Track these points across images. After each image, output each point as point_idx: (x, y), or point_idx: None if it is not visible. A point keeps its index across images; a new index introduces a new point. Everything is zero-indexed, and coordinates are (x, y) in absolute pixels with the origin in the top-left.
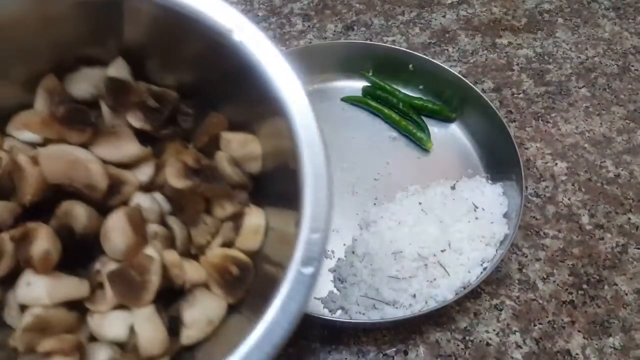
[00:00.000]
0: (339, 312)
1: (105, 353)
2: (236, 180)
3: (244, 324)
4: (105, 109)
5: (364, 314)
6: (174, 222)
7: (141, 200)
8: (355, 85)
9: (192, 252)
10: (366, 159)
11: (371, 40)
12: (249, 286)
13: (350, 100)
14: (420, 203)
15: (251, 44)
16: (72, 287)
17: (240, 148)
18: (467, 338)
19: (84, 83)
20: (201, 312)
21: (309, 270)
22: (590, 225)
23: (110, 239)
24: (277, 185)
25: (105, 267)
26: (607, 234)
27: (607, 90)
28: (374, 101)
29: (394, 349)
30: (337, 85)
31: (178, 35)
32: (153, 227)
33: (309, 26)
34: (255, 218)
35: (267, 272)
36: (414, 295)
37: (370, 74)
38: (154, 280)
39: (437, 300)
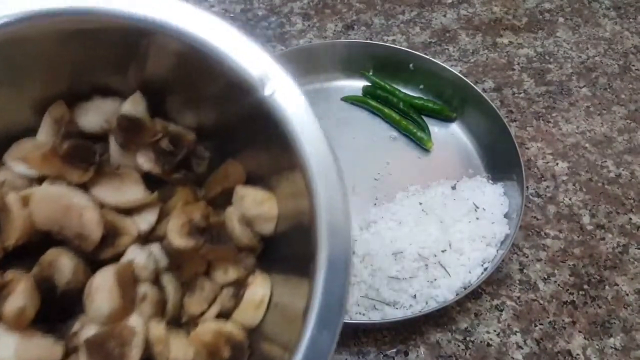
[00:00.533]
0: None
1: None
2: (245, 243)
3: None
4: (113, 146)
5: (364, 314)
6: (168, 282)
7: (136, 255)
8: (356, 85)
9: (183, 319)
10: (366, 159)
11: (371, 40)
12: None
13: (350, 99)
14: (420, 203)
15: (281, 96)
16: (45, 349)
17: (254, 206)
18: (467, 339)
19: (96, 115)
20: None
21: (328, 328)
22: (591, 226)
23: (94, 300)
24: (290, 250)
25: (85, 329)
26: (608, 234)
27: (608, 89)
28: (374, 101)
29: (395, 350)
30: (337, 84)
31: (205, 76)
32: (144, 288)
33: (309, 25)
34: (259, 288)
35: (263, 352)
36: (415, 296)
37: (371, 73)
38: (134, 355)
39: (437, 301)
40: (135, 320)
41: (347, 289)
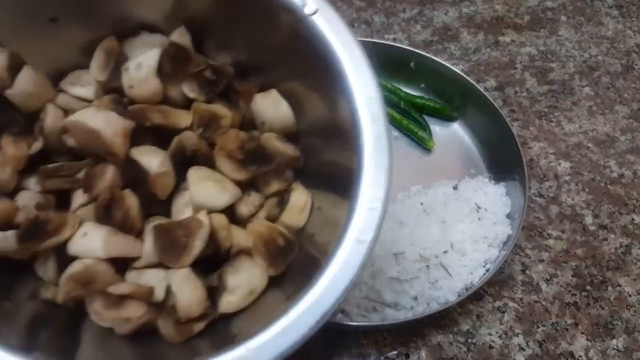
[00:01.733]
0: (340, 314)
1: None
2: (289, 156)
3: (282, 301)
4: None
5: (364, 316)
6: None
7: None
8: None
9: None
10: None
11: (372, 38)
12: (290, 261)
13: None
14: (422, 203)
15: (322, 16)
16: (128, 244)
17: (269, 109)
18: (469, 341)
19: (144, 48)
20: (245, 279)
21: (364, 240)
22: (593, 226)
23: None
24: (327, 169)
25: (152, 222)
26: (611, 234)
27: (611, 89)
28: None
29: (395, 352)
30: None
31: (246, 9)
32: None
33: None
34: (302, 195)
35: (310, 251)
36: (416, 297)
37: None
38: (197, 246)
39: (439, 302)
40: (202, 215)
41: (386, 206)
